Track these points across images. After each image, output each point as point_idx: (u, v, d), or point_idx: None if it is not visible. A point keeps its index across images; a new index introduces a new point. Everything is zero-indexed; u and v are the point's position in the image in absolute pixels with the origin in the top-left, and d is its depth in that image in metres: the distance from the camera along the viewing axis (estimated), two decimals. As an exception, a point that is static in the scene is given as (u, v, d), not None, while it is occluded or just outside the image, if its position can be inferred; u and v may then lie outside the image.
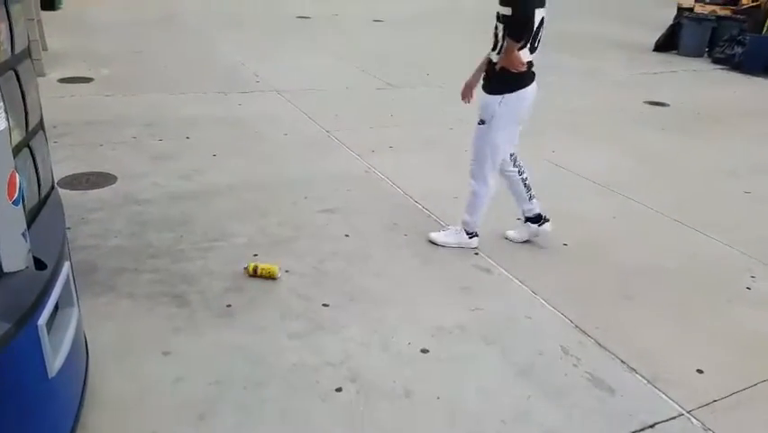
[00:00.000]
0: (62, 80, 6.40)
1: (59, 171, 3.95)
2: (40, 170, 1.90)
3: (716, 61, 10.05)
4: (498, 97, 3.05)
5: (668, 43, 11.10)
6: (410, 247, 3.40)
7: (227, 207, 3.70)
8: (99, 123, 5.09)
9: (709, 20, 10.83)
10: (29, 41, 1.92)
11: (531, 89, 3.10)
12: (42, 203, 1.94)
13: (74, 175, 3.95)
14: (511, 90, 3.05)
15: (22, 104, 1.75)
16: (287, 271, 3.02)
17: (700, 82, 8.83)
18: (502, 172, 3.35)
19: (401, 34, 11.43)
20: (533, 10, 2.89)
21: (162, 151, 4.54)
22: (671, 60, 10.34)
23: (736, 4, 12.88)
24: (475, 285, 3.08)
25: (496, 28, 3.01)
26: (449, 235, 3.41)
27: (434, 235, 3.43)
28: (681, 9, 14.15)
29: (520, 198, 3.44)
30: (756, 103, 7.84)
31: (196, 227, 3.42)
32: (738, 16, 11.38)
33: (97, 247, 3.14)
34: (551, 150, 5.16)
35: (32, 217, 1.78)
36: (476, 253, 3.37)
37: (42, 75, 6.51)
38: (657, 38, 11.28)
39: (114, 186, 3.85)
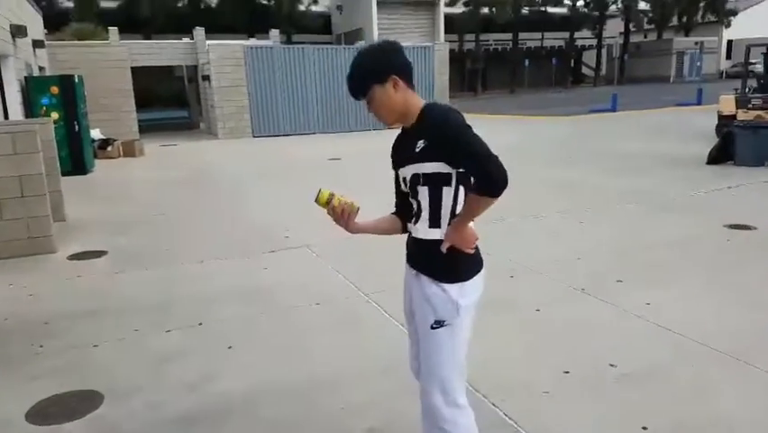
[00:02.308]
0: (72, 257, 5.84)
1: (34, 394, 3.14)
2: None
3: (782, 171, 9.18)
4: (454, 287, 2.01)
5: (722, 155, 10.35)
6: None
7: (240, 433, 2.78)
8: (101, 312, 4.36)
9: (765, 128, 10.09)
10: None
11: (483, 271, 2.11)
12: None
13: (51, 399, 3.12)
14: (469, 275, 2.04)
15: None
16: None
17: (777, 197, 7.88)
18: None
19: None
20: None
21: (167, 348, 3.73)
22: (730, 173, 9.48)
23: (781, 109, 12.24)
24: None
25: (412, 194, 2.06)
26: None
27: None
28: (722, 117, 13.63)
29: None
30: None
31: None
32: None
33: None
34: (643, 301, 4.19)
35: None
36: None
37: (53, 251, 5.99)
38: (709, 150, 10.57)
39: (96, 413, 2.98)
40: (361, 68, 1.97)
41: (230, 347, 3.70)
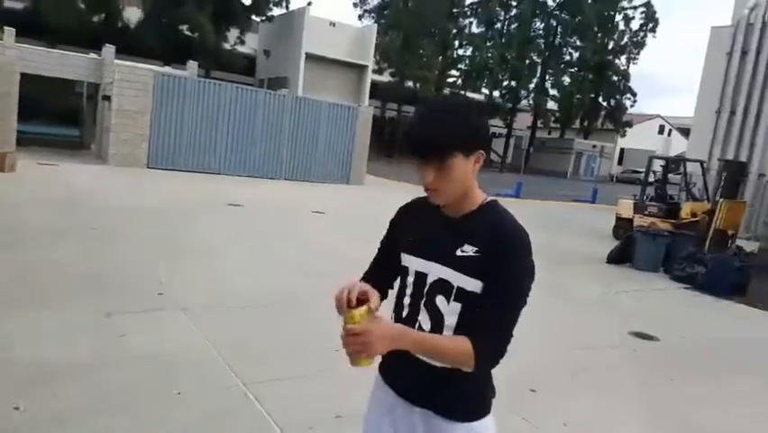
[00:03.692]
0: None
1: None
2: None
3: (676, 279, 9.40)
4: (486, 423, 1.60)
5: (621, 256, 10.56)
6: None
7: None
8: None
9: (663, 236, 10.44)
10: None
11: None
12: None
13: None
14: (489, 408, 1.63)
15: None
16: None
17: (674, 305, 7.93)
18: None
19: (351, 227, 10.34)
20: None
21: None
22: (630, 276, 9.62)
23: (676, 218, 12.91)
24: None
25: (426, 299, 1.59)
26: None
27: None
28: (619, 219, 14.22)
29: None
30: (752, 336, 6.85)
31: None
32: (689, 233, 11.16)
33: None
34: (561, 422, 3.69)
35: None
36: None
37: None
38: (610, 250, 10.77)
39: None
40: (451, 127, 1.48)
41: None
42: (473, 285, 1.50)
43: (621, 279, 9.26)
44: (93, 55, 20.25)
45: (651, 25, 49.91)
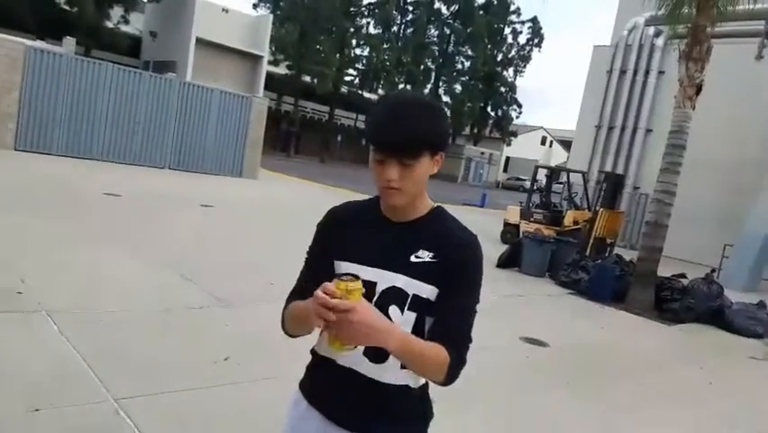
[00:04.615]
0: None
1: None
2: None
3: (561, 284, 9.81)
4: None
5: (510, 261, 10.89)
6: None
7: None
8: None
9: (549, 242, 10.88)
10: None
11: None
12: None
13: None
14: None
15: None
16: None
17: (561, 312, 8.23)
18: None
19: (245, 224, 9.79)
20: None
21: None
22: (519, 281, 9.92)
23: (559, 225, 13.59)
24: None
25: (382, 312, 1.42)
26: None
27: None
28: (507, 224, 14.77)
29: None
30: (632, 343, 7.24)
31: None
32: (572, 240, 11.73)
33: None
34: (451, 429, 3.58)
35: None
36: None
37: None
38: (500, 254, 11.07)
39: None
40: (425, 124, 1.37)
41: None
42: (428, 292, 1.41)
43: (511, 283, 9.51)
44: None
45: (537, 40, 52.95)
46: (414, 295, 1.41)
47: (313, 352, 1.52)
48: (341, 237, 1.48)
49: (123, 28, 32.56)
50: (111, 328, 4.36)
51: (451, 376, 1.39)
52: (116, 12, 31.92)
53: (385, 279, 1.41)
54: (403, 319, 1.41)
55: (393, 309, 1.41)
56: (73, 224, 7.77)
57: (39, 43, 18.92)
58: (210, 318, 5.04)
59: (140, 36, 35.15)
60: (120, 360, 3.80)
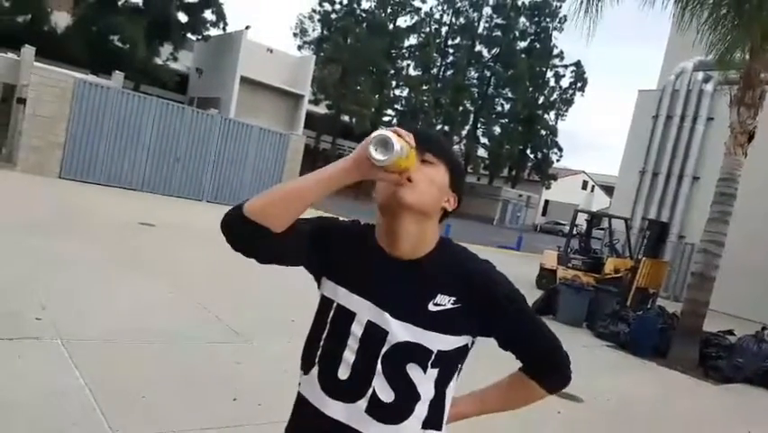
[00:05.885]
0: None
1: None
2: None
3: (599, 336, 9.32)
4: None
5: (545, 308, 10.45)
6: None
7: None
8: None
9: (587, 290, 10.41)
10: None
11: None
12: None
13: None
14: None
15: None
16: None
17: (598, 365, 7.76)
18: None
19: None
20: None
21: None
22: (553, 328, 9.09)
23: (599, 273, 13.04)
24: None
25: (388, 369, 1.21)
26: None
27: None
28: (543, 269, 14.27)
29: None
30: (674, 403, 6.75)
31: None
32: (612, 289, 11.21)
33: None
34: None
35: None
36: None
37: None
38: (535, 300, 10.64)
39: None
40: (448, 145, 1.37)
41: None
42: (454, 342, 1.24)
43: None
44: (11, 55, 18.83)
45: (580, 84, 52.62)
46: (438, 351, 1.22)
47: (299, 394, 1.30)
48: (339, 252, 1.29)
49: (172, 65, 33.76)
50: (126, 362, 4.21)
51: (555, 386, 1.44)
52: (166, 49, 33.15)
53: (396, 330, 1.21)
54: (426, 377, 1.23)
55: (413, 368, 1.22)
56: (104, 251, 7.78)
57: (88, 77, 19.66)
58: (229, 353, 4.86)
59: (187, 73, 36.38)
60: (128, 396, 3.63)
